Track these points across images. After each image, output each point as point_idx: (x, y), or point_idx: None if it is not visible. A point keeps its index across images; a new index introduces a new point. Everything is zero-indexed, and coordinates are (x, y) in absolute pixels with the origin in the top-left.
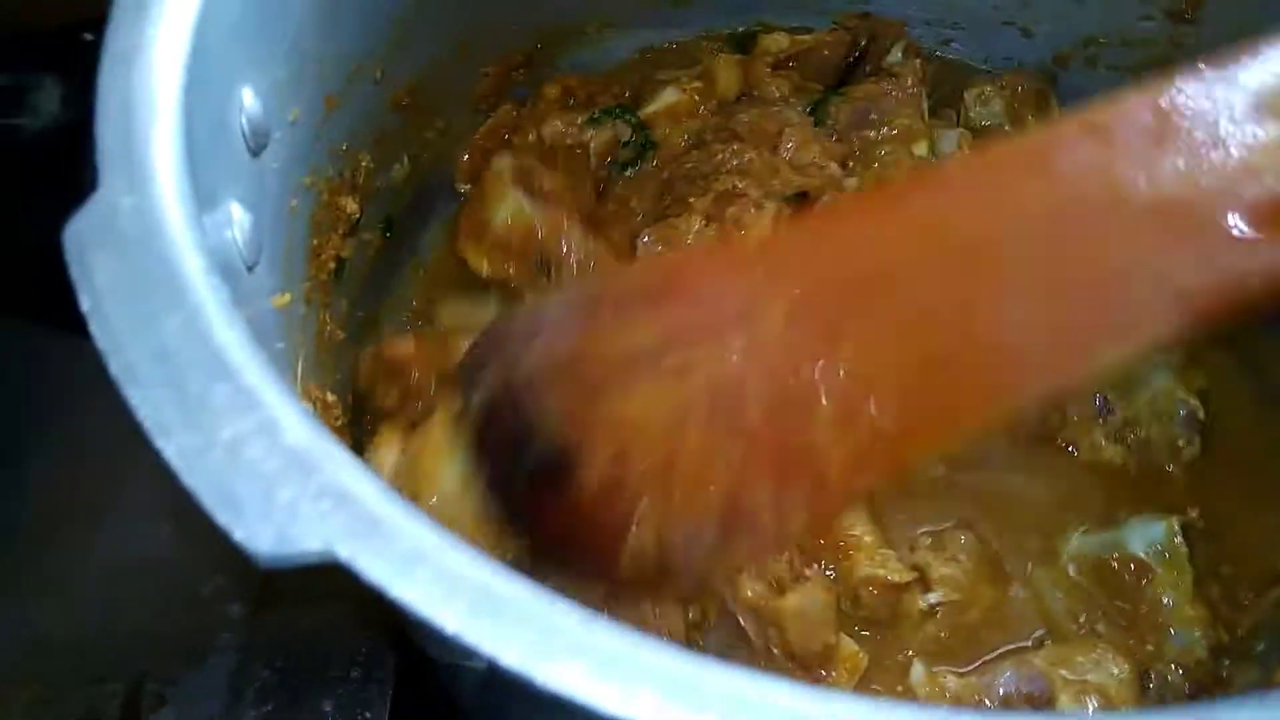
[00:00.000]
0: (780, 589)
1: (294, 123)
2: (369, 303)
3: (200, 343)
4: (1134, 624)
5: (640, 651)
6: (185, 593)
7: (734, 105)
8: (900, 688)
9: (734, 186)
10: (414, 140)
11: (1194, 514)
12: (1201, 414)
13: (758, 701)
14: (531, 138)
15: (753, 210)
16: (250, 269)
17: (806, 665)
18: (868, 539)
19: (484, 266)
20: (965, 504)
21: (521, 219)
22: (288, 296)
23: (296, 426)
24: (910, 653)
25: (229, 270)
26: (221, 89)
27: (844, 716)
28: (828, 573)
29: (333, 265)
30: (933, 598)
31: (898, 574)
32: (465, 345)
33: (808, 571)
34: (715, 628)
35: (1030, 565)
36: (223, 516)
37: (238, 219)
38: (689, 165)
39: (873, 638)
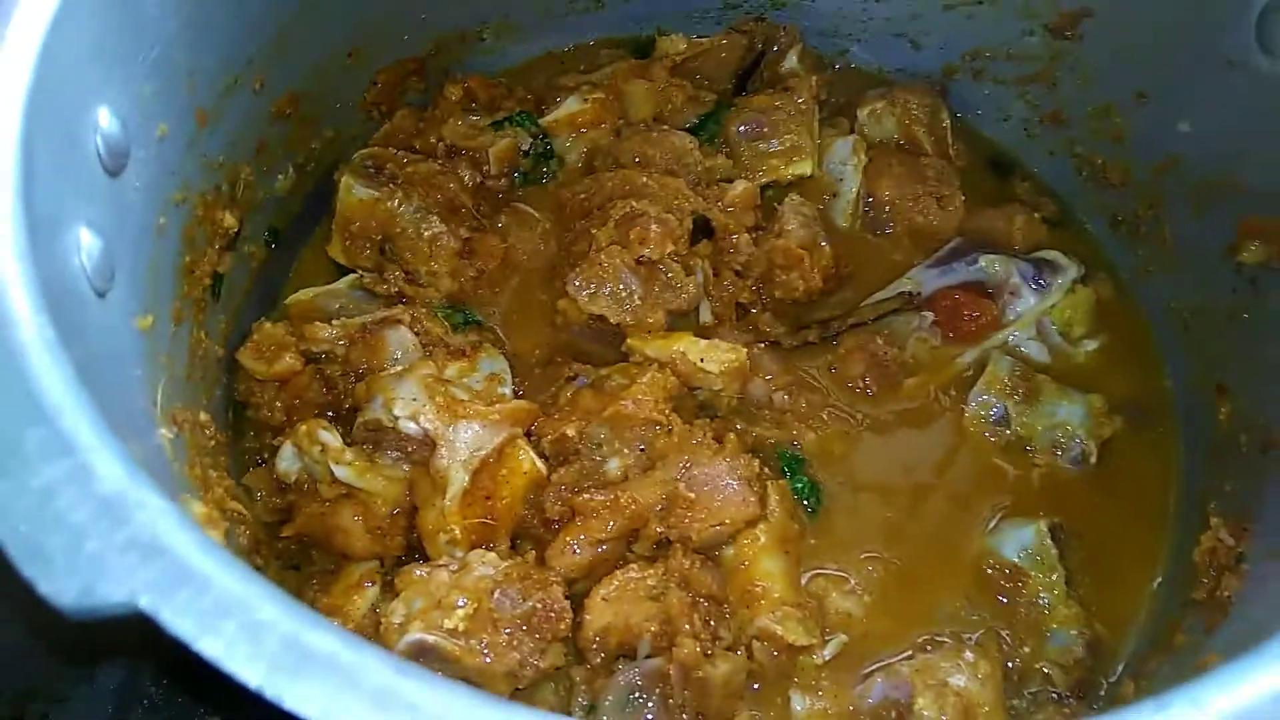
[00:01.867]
0: (710, 654)
1: (161, 139)
2: (253, 316)
3: (19, 385)
4: (1013, 628)
5: (454, 704)
6: None
7: (624, 130)
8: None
9: (631, 208)
10: (299, 150)
11: (1058, 519)
12: (1094, 459)
13: None
14: (434, 140)
15: (654, 227)
16: (102, 295)
17: None
18: (775, 591)
19: (339, 254)
20: (872, 526)
21: (361, 204)
22: (150, 319)
23: (111, 472)
24: (794, 681)
25: (74, 299)
26: (72, 112)
27: None
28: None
29: (208, 281)
30: (829, 652)
31: (797, 636)
32: (320, 331)
33: (723, 632)
34: (624, 671)
35: (924, 580)
36: (28, 569)
37: (86, 244)
38: (581, 196)
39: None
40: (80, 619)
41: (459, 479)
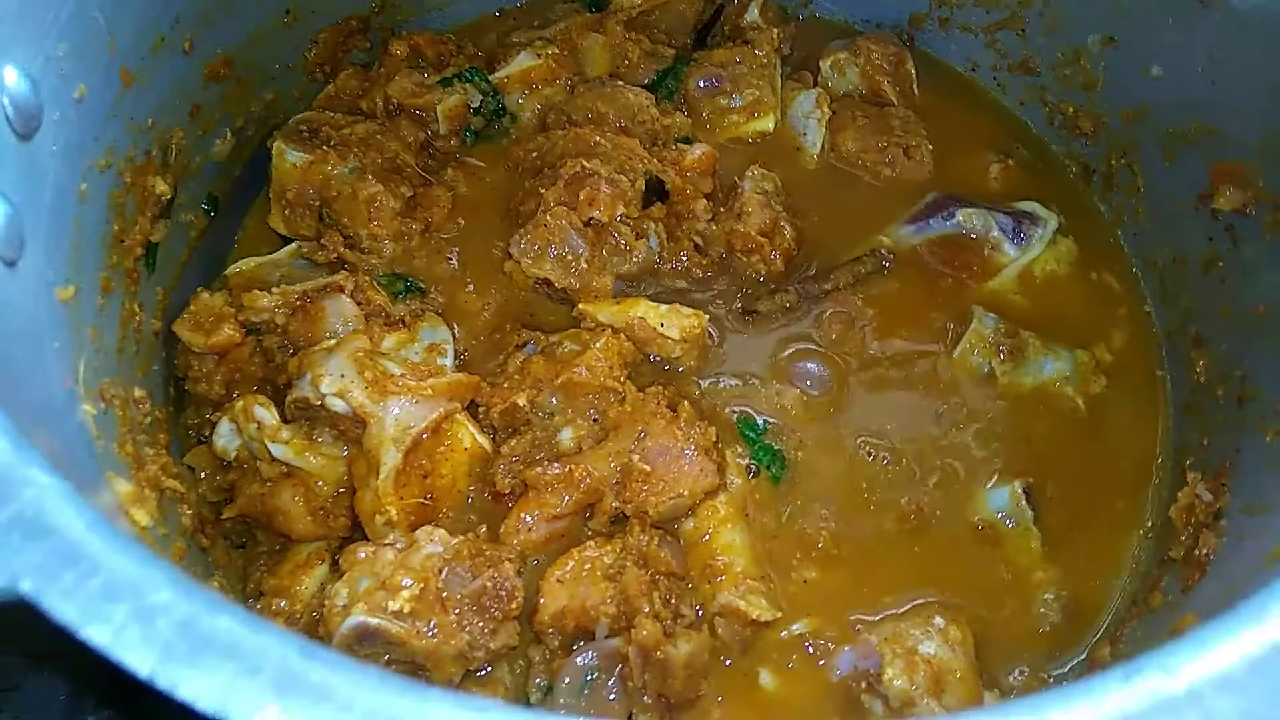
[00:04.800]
0: (670, 634)
1: (80, 100)
2: (194, 288)
3: None
4: (987, 592)
5: (366, 689)
6: None
7: (579, 87)
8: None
9: (581, 168)
10: (237, 113)
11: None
12: (1082, 415)
13: None
14: (378, 99)
15: (604, 188)
16: (11, 264)
17: (674, 710)
18: (738, 565)
19: (279, 224)
20: (838, 491)
21: (294, 169)
22: (72, 289)
23: None
24: (761, 655)
25: None
26: None
27: None
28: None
29: (140, 251)
30: (798, 627)
31: (761, 611)
32: (259, 300)
33: (684, 609)
34: (581, 652)
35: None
36: None
37: None
38: (533, 154)
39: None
40: None
41: (391, 458)
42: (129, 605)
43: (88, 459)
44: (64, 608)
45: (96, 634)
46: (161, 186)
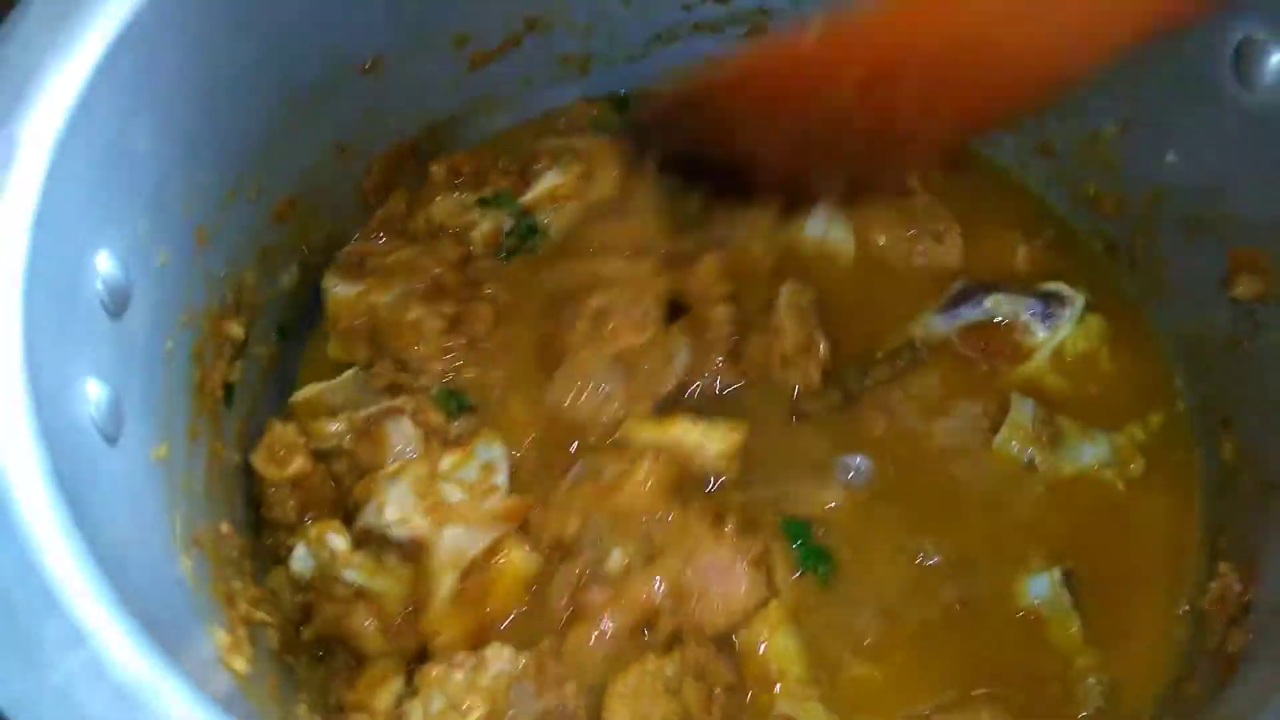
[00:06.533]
0: None
1: (163, 266)
2: (266, 412)
3: (33, 576)
4: (1031, 679)
5: None
6: None
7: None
8: None
9: (601, 304)
10: (300, 247)
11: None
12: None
13: None
14: (423, 221)
15: (625, 320)
16: (113, 441)
17: None
18: (793, 671)
19: (338, 353)
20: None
21: (343, 302)
22: (165, 447)
23: (127, 657)
24: None
25: (85, 455)
26: (71, 263)
27: None
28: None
29: (220, 393)
30: None
31: (817, 719)
32: (326, 426)
33: None
34: None
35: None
36: None
37: (94, 396)
38: (560, 277)
39: None
40: None
41: (447, 582)
42: None
43: (187, 615)
44: None
45: None
46: (236, 330)
